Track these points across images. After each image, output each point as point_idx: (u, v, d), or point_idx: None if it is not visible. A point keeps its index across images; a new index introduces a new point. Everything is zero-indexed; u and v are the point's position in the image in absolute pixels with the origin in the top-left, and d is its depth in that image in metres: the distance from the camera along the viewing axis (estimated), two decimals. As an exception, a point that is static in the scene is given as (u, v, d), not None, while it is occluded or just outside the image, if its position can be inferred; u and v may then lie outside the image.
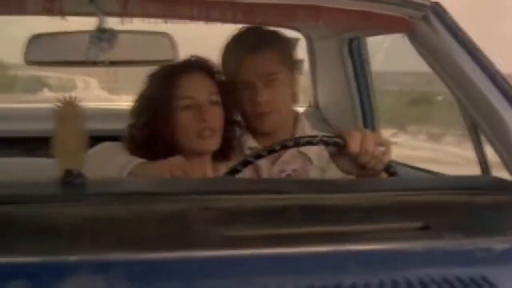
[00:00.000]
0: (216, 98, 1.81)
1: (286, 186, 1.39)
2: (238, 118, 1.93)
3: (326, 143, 1.61)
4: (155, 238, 1.06)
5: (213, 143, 1.80)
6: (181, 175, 1.59)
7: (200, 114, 1.77)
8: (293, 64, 1.99)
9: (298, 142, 1.62)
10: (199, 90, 1.79)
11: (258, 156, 1.59)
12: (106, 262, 0.97)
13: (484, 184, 1.56)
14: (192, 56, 1.87)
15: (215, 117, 1.80)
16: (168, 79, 1.79)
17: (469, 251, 1.11)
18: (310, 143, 1.62)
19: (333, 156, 1.65)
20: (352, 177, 1.67)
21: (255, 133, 1.94)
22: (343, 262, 1.04)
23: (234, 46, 1.93)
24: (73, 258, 0.96)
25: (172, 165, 1.62)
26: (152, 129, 1.78)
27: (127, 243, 1.04)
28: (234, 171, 1.55)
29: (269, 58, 1.89)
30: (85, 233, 1.07)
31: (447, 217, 1.28)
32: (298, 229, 1.13)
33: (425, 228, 1.18)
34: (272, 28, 2.00)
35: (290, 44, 2.04)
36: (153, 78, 1.84)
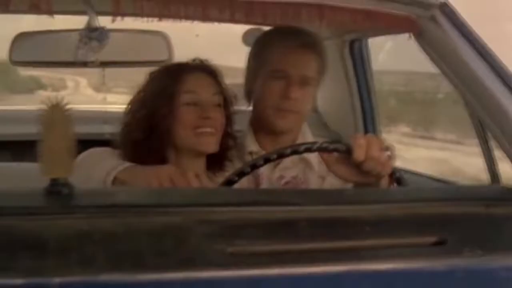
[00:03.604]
0: (218, 100, 1.77)
1: (292, 197, 1.29)
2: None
3: (326, 150, 1.53)
4: (151, 255, 0.97)
5: (211, 143, 1.74)
6: (169, 184, 1.55)
7: (202, 112, 1.72)
8: (322, 77, 1.95)
9: (296, 150, 1.55)
10: (203, 87, 1.75)
11: (254, 166, 1.52)
12: (97, 284, 0.89)
13: (499, 194, 1.47)
14: (196, 59, 1.82)
15: (217, 117, 1.75)
16: (172, 75, 1.74)
17: (492, 270, 1.02)
18: (309, 150, 1.54)
19: (328, 164, 1.57)
20: (350, 185, 1.60)
21: (262, 131, 1.89)
22: (357, 282, 0.95)
23: (285, 34, 1.87)
24: (58, 279, 0.88)
25: (161, 173, 1.58)
26: (150, 123, 1.72)
27: (120, 261, 0.95)
28: (229, 182, 1.49)
29: (314, 61, 1.87)
30: (73, 250, 0.97)
31: (462, 230, 1.19)
32: (307, 244, 1.05)
33: (440, 243, 1.10)
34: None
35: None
36: (154, 75, 1.79)
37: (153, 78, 1.78)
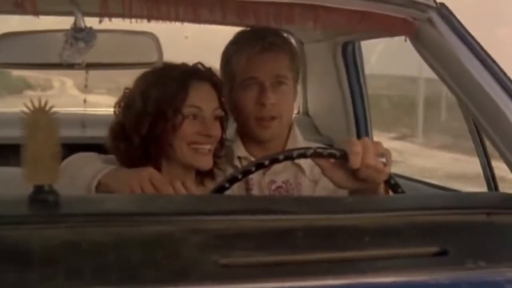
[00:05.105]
0: (220, 113, 1.73)
1: (288, 205, 1.25)
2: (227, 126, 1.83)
3: (321, 156, 1.49)
4: (141, 267, 0.93)
5: (208, 162, 1.70)
6: (149, 189, 1.52)
7: (203, 128, 1.67)
8: (298, 73, 1.92)
9: (289, 156, 1.50)
10: (207, 101, 1.70)
11: (246, 172, 1.48)
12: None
13: (500, 201, 1.43)
14: (198, 63, 1.77)
15: (216, 135, 1.71)
16: (179, 83, 1.68)
17: (497, 283, 0.98)
18: (303, 155, 1.49)
19: (323, 169, 1.53)
20: (344, 190, 1.57)
21: (249, 139, 1.85)
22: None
23: (246, 41, 1.84)
24: (44, 293, 0.83)
25: (141, 176, 1.55)
26: (149, 129, 1.66)
27: (109, 273, 0.91)
28: (221, 189, 1.44)
29: (282, 60, 1.83)
30: (59, 261, 0.93)
31: (464, 240, 1.15)
32: (304, 256, 1.01)
33: (442, 253, 1.06)
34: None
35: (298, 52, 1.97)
36: (156, 76, 1.71)
37: (156, 80, 1.70)
